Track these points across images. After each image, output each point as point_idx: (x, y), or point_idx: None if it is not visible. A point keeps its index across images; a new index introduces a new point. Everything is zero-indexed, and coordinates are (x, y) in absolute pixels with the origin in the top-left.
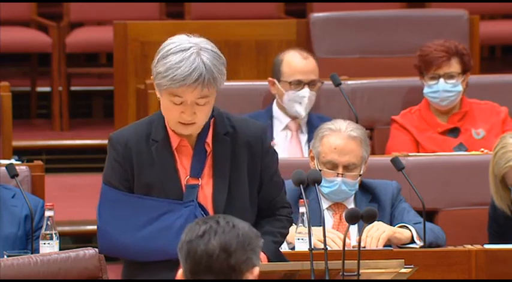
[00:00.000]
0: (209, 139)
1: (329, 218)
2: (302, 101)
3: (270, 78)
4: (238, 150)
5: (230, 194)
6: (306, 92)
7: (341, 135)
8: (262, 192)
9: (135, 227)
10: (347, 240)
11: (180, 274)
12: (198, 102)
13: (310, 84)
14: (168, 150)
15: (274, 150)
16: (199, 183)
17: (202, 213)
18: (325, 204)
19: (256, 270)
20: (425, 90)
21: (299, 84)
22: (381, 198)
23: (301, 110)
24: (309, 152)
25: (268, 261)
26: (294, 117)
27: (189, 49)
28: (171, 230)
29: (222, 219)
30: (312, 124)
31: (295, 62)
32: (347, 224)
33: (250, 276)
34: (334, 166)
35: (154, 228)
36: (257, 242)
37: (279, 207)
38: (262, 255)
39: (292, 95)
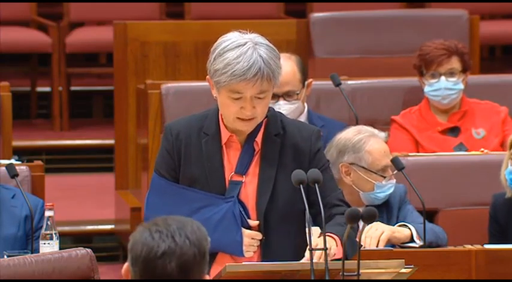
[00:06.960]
0: (259, 138)
1: None
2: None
3: None
4: (287, 152)
5: (273, 195)
6: (280, 104)
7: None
8: (311, 195)
9: None
10: None
11: (125, 267)
12: (257, 96)
13: (285, 95)
14: (217, 144)
15: (324, 155)
16: (243, 181)
17: (241, 210)
18: None
19: (206, 278)
20: (426, 89)
21: (274, 97)
22: (390, 201)
23: None
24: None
25: (343, 246)
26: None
27: (245, 44)
28: (208, 223)
29: (177, 235)
30: (313, 123)
31: None
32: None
33: None
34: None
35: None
36: (207, 244)
37: (333, 206)
38: (336, 240)
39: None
